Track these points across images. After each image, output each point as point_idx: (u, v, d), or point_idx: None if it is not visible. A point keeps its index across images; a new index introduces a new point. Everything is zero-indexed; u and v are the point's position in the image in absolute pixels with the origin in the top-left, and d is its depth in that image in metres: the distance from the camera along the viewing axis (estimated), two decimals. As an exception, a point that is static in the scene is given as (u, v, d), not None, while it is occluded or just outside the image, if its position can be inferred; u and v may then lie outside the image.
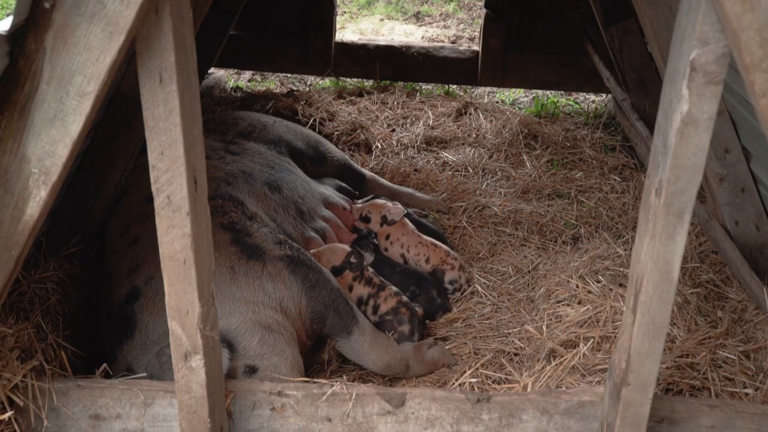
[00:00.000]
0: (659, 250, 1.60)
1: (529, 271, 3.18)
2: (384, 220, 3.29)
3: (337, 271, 2.83)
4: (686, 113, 1.47)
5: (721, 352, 2.40)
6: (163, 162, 1.59)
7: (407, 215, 3.38)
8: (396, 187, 3.87)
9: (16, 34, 1.41)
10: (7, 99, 1.47)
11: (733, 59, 1.39)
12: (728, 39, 1.37)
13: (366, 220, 3.34)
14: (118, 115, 2.64)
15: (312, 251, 2.88)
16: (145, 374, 2.18)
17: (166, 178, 1.60)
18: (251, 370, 2.26)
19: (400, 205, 3.34)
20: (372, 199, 3.48)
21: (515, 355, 2.62)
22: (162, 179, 1.61)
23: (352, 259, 2.85)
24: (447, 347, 2.72)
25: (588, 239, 3.40)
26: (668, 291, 1.64)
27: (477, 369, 2.50)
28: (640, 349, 1.72)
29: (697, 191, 1.56)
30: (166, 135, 1.56)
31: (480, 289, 3.08)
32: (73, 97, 1.47)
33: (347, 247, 2.92)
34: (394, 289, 2.87)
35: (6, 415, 1.84)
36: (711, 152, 2.76)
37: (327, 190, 3.48)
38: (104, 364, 2.16)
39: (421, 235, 3.29)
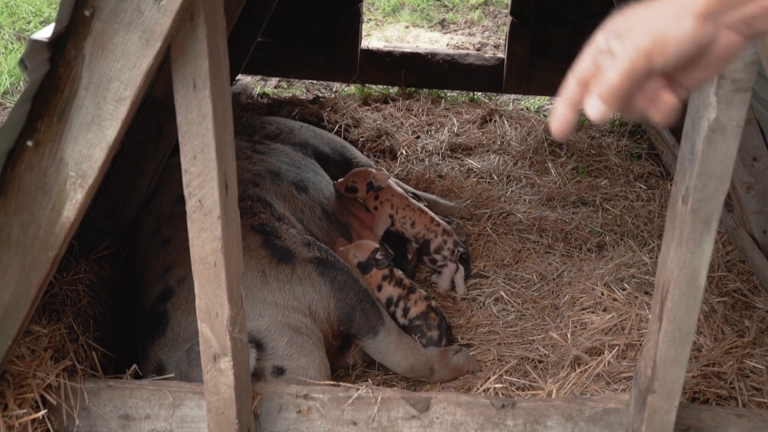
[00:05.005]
0: (686, 257, 1.60)
1: (553, 279, 3.18)
2: (370, 187, 3.28)
3: (363, 267, 2.85)
4: (714, 120, 1.47)
5: (748, 362, 2.39)
6: (196, 166, 1.62)
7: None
8: (420, 193, 3.89)
9: (56, 41, 1.46)
10: (46, 104, 1.52)
11: (762, 67, 1.40)
12: (756, 46, 1.38)
13: (353, 190, 3.29)
14: (149, 120, 2.69)
15: (340, 249, 2.91)
16: (173, 374, 2.22)
17: (198, 182, 1.64)
18: (279, 371, 2.29)
19: (384, 170, 3.36)
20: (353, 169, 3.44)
21: (539, 362, 2.62)
22: (194, 183, 1.64)
23: (378, 256, 2.86)
24: (471, 353, 2.72)
25: (613, 247, 3.39)
26: (695, 298, 1.64)
27: (501, 375, 2.50)
28: (665, 357, 1.72)
29: (725, 199, 1.56)
30: (199, 140, 1.60)
31: (504, 295, 3.09)
32: (110, 103, 1.51)
33: (375, 244, 2.93)
34: (424, 293, 2.89)
35: (40, 414, 1.88)
36: (738, 160, 2.74)
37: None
38: (134, 365, 2.20)
39: (410, 198, 3.34)
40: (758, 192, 2.80)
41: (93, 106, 1.52)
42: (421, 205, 3.35)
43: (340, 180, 3.35)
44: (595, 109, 0.86)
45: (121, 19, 1.44)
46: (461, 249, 3.24)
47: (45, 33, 1.42)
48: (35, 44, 1.40)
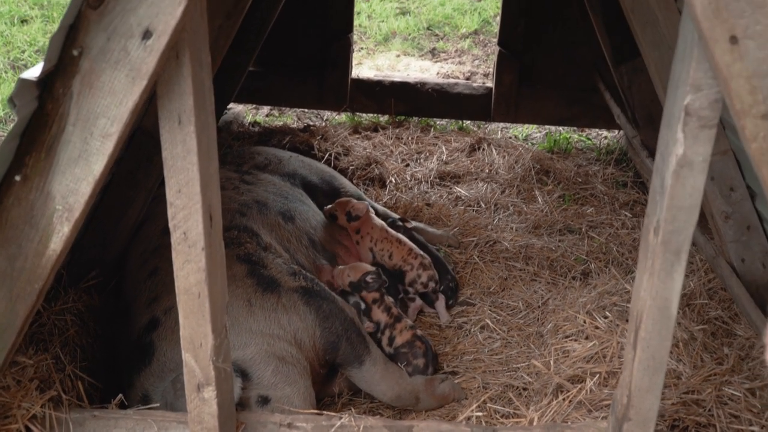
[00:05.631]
0: (658, 287, 1.65)
1: (538, 306, 3.21)
2: (349, 216, 3.38)
3: (354, 288, 2.91)
4: (681, 156, 1.52)
5: (726, 389, 2.42)
6: (181, 199, 1.67)
7: (393, 224, 3.50)
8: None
9: (45, 80, 1.50)
10: (35, 140, 1.56)
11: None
12: (720, 86, 1.43)
13: (333, 218, 3.42)
14: (139, 151, 2.73)
15: (339, 268, 2.99)
16: (158, 404, 2.24)
17: (182, 214, 1.68)
18: (264, 400, 2.31)
19: (366, 202, 3.45)
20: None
21: (524, 389, 2.65)
22: (179, 216, 1.68)
23: (368, 279, 2.91)
24: (456, 381, 2.75)
25: (598, 275, 3.43)
26: (667, 327, 1.68)
27: (484, 403, 2.53)
28: (640, 385, 1.75)
29: (694, 230, 1.61)
30: (184, 174, 1.64)
31: (490, 323, 3.12)
32: (96, 138, 1.56)
33: (369, 267, 2.98)
34: (410, 322, 2.92)
35: (24, 443, 1.90)
36: (716, 190, 2.80)
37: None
38: (120, 395, 2.22)
39: (389, 230, 3.40)
40: (736, 221, 2.85)
41: (80, 141, 1.56)
42: (399, 235, 3.38)
43: (328, 206, 3.47)
44: None
45: (109, 58, 1.49)
46: (434, 285, 3.25)
47: (34, 72, 1.46)
48: (24, 83, 1.44)
